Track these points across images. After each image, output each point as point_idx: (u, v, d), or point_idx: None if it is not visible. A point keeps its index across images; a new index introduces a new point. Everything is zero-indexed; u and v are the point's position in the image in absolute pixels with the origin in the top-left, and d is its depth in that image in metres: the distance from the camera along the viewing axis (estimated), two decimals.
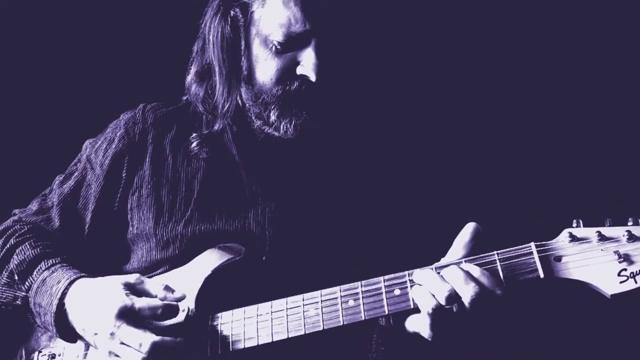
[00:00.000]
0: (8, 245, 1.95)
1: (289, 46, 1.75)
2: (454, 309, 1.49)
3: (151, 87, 2.19)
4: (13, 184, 2.50)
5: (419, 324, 1.56)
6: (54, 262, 1.87)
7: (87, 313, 1.72)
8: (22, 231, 1.98)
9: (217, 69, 1.87)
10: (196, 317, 1.73)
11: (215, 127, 1.92)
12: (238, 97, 1.88)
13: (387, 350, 1.69)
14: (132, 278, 1.75)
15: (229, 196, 1.87)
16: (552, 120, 2.46)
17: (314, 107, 1.78)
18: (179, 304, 1.70)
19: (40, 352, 1.90)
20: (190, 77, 1.99)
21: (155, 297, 1.70)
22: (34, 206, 2.06)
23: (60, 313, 1.75)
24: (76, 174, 2.04)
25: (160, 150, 1.96)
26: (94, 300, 1.71)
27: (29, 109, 2.70)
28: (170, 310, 1.66)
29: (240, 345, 1.67)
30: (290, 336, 1.63)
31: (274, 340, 1.65)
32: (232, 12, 1.84)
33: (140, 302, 1.66)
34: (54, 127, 2.63)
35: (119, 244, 1.97)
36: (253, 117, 1.89)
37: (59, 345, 1.89)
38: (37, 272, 1.86)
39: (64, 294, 1.75)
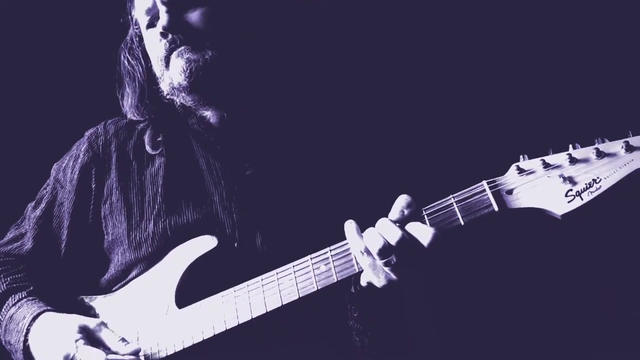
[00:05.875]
0: None
1: (154, 22, 1.92)
2: (392, 261, 1.53)
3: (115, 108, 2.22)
4: None
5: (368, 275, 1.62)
6: (20, 296, 1.92)
7: (42, 353, 1.78)
8: None
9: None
10: (176, 313, 1.78)
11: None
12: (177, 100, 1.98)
13: (361, 315, 1.72)
14: (92, 323, 1.78)
15: (193, 185, 1.93)
16: (486, 61, 2.49)
17: (186, 45, 1.85)
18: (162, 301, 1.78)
19: None
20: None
21: (109, 349, 1.73)
22: (8, 236, 2.11)
23: (26, 349, 1.81)
24: (47, 196, 2.10)
25: (124, 157, 2.03)
26: (48, 341, 1.77)
27: None
28: None
29: (222, 327, 1.71)
30: (268, 310, 1.68)
31: (254, 316, 1.69)
32: (128, 38, 2.10)
33: (82, 355, 1.69)
34: (22, 156, 2.64)
35: (96, 257, 2.00)
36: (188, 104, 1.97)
37: None
38: (5, 309, 1.93)
39: (27, 331, 1.81)
